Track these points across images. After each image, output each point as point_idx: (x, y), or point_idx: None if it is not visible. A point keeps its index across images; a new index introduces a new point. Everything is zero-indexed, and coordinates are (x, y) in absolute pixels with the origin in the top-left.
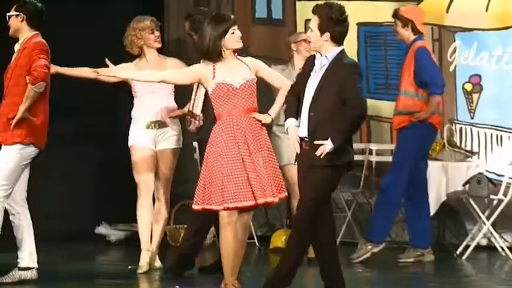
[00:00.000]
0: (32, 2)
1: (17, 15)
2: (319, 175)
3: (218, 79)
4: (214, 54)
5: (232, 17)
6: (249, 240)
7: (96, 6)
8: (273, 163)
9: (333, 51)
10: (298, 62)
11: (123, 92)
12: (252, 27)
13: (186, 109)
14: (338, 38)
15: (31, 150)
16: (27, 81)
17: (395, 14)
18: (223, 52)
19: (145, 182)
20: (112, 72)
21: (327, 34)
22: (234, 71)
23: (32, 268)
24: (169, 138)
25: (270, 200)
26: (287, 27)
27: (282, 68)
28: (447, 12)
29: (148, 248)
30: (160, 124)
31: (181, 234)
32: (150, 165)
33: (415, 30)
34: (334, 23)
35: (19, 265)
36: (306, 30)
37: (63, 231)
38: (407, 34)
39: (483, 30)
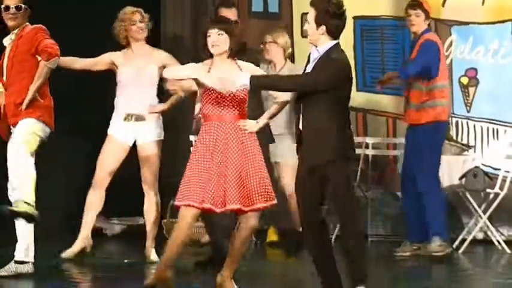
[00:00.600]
0: None
1: (26, 9)
2: (343, 167)
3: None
4: (203, 54)
5: (222, 19)
6: None
7: (93, 5)
8: (256, 171)
9: (326, 44)
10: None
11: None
12: (248, 21)
13: (166, 106)
14: (334, 32)
15: (44, 127)
16: (38, 60)
17: (420, 6)
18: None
19: (103, 175)
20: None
21: (323, 27)
22: None
23: (28, 262)
24: (149, 131)
25: (207, 206)
26: (283, 21)
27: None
28: (443, 6)
29: (84, 236)
30: (138, 117)
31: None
32: (116, 162)
33: (429, 25)
34: (330, 16)
35: (15, 258)
36: (302, 24)
37: (60, 224)
38: (423, 27)
39: (479, 23)
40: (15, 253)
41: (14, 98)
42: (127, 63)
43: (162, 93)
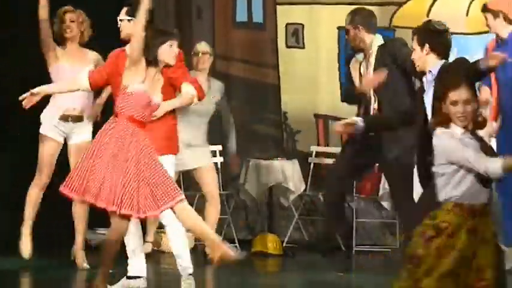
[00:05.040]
0: None
1: (129, 20)
2: None
3: None
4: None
5: None
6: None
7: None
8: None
9: (436, 65)
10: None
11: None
12: (232, 31)
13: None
14: (440, 50)
15: None
16: None
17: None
18: None
19: (46, 176)
20: None
21: (426, 46)
22: None
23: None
24: (84, 132)
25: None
26: (267, 31)
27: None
28: (427, 16)
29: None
30: (76, 118)
31: (163, 238)
32: (53, 160)
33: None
34: (432, 33)
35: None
36: (286, 34)
37: (44, 235)
38: (501, 25)
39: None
40: (128, 268)
41: None
42: (63, 61)
43: None
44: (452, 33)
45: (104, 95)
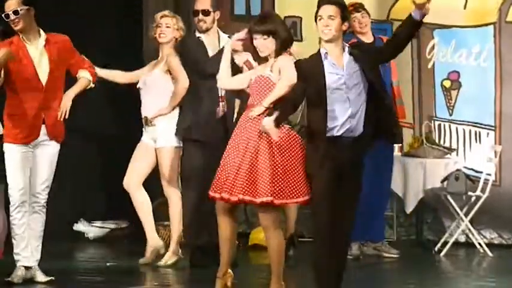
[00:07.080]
0: None
1: (28, 10)
2: None
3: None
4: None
5: (265, 20)
6: None
7: (72, 5)
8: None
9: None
10: None
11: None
12: (230, 24)
13: (168, 109)
14: None
15: None
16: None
17: (363, 7)
18: None
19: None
20: None
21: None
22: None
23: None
24: (163, 137)
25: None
26: None
27: None
28: None
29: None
30: (146, 121)
31: (160, 231)
32: (147, 166)
33: None
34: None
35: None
36: None
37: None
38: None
39: (461, 27)
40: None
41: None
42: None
43: None
44: (450, 26)
45: None
